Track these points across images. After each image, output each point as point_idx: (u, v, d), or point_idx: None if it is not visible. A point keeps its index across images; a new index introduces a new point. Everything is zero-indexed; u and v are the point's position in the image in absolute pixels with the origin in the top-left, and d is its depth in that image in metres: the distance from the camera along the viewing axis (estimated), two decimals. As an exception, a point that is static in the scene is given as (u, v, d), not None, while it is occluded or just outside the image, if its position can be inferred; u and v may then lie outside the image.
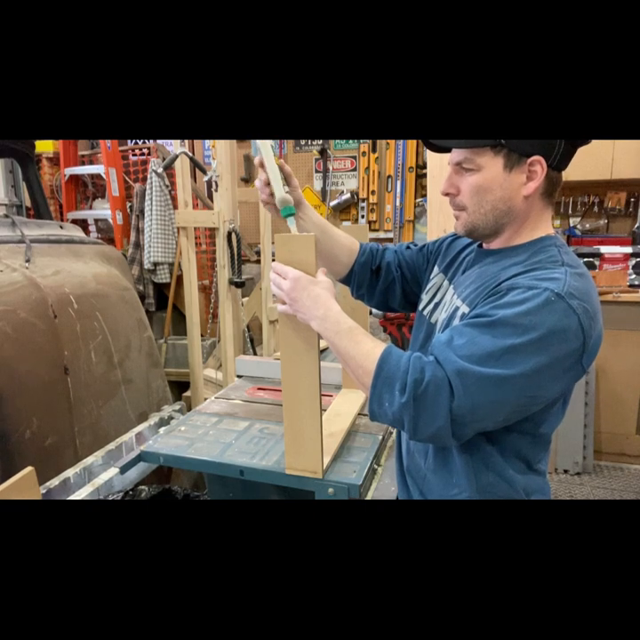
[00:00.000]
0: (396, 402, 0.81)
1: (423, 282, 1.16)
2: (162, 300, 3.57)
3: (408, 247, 1.22)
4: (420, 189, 3.86)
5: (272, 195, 1.06)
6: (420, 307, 1.11)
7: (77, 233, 2.27)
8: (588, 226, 3.62)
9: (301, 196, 1.12)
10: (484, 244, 1.01)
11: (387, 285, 1.18)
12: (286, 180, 1.08)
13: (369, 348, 0.87)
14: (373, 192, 3.96)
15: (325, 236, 1.13)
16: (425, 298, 1.11)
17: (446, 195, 0.94)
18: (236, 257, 2.31)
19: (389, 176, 3.92)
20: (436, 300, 1.07)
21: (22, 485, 0.88)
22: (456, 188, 0.92)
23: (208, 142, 4.17)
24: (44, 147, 3.79)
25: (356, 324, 0.91)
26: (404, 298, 1.19)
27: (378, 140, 3.91)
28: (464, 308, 0.92)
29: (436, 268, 1.12)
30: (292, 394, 1.01)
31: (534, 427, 0.90)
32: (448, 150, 0.95)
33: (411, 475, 1.05)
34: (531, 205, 0.91)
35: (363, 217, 4.04)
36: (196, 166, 2.46)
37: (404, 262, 1.19)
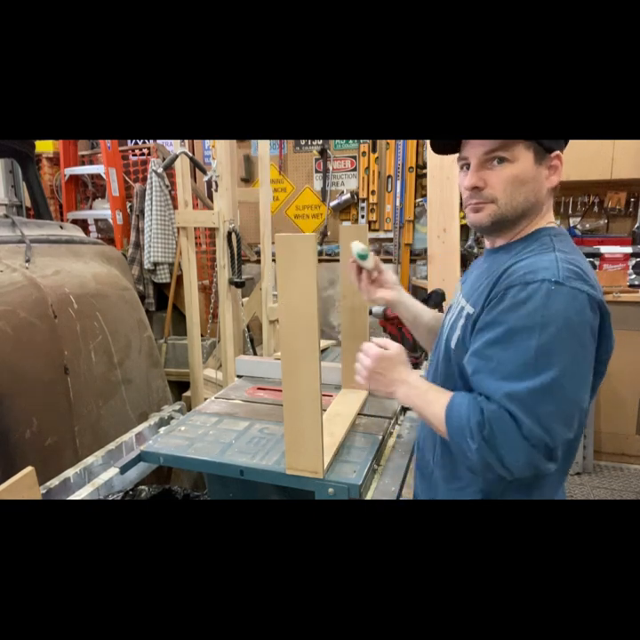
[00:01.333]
0: (473, 450, 0.82)
1: None
2: (162, 299, 3.57)
3: None
4: (420, 189, 3.86)
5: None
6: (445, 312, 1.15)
7: (77, 233, 2.27)
8: (587, 226, 3.62)
9: (399, 291, 1.25)
10: (489, 244, 1.02)
11: None
12: (383, 281, 1.24)
13: (439, 407, 0.89)
14: (373, 192, 3.96)
15: (416, 322, 1.25)
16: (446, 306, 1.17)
17: (473, 189, 0.93)
18: (236, 257, 2.31)
19: (389, 176, 3.92)
20: (451, 303, 1.10)
21: (22, 485, 0.88)
22: (484, 181, 0.92)
23: (208, 142, 4.17)
24: (44, 147, 3.79)
25: (430, 386, 0.96)
26: None
27: (378, 140, 3.91)
28: (468, 308, 0.94)
29: (461, 278, 1.17)
30: (292, 394, 1.01)
31: None
32: (453, 151, 0.98)
33: (420, 470, 1.08)
34: (548, 198, 0.94)
35: (363, 217, 4.04)
36: (196, 166, 2.45)
37: None
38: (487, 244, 1.01)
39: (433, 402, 0.91)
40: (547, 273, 0.81)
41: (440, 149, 1.00)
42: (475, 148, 0.92)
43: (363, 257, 1.20)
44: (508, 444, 0.80)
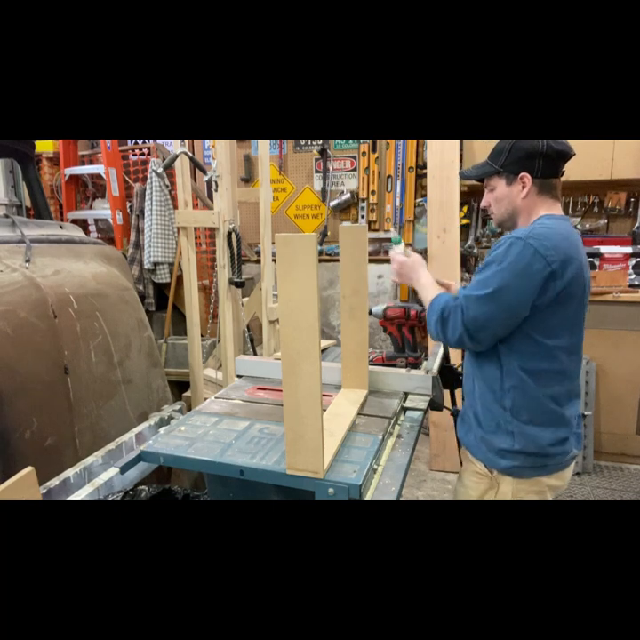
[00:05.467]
0: (433, 322, 1.34)
1: None
2: (162, 300, 3.57)
3: None
4: (420, 189, 3.86)
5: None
6: None
7: (77, 233, 2.27)
8: (588, 226, 3.62)
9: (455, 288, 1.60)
10: None
11: None
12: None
13: (431, 295, 1.39)
14: (373, 192, 3.96)
15: None
16: None
17: (485, 207, 1.47)
18: (236, 257, 2.31)
19: (389, 176, 3.92)
20: None
21: (22, 485, 0.88)
22: (488, 202, 1.46)
23: (208, 142, 4.17)
24: (44, 147, 3.79)
25: (433, 282, 1.45)
26: None
27: (378, 140, 3.91)
28: None
29: None
30: (293, 394, 1.01)
31: (533, 332, 1.28)
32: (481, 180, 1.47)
33: (467, 396, 1.50)
34: (529, 202, 1.37)
35: (363, 217, 4.04)
36: (196, 166, 2.45)
37: None
38: None
39: (430, 292, 1.41)
40: (517, 233, 1.26)
41: (465, 176, 1.51)
42: (484, 183, 1.46)
43: (396, 242, 1.59)
44: (451, 322, 1.29)
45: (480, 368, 1.40)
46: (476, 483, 1.43)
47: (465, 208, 3.74)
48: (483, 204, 1.48)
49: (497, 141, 1.41)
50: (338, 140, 4.06)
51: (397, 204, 3.92)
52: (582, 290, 1.30)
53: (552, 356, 1.30)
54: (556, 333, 1.29)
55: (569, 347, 1.32)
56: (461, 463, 1.81)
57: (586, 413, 3.10)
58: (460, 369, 1.73)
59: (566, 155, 1.35)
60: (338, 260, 1.46)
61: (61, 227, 2.20)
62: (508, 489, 1.37)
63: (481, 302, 1.24)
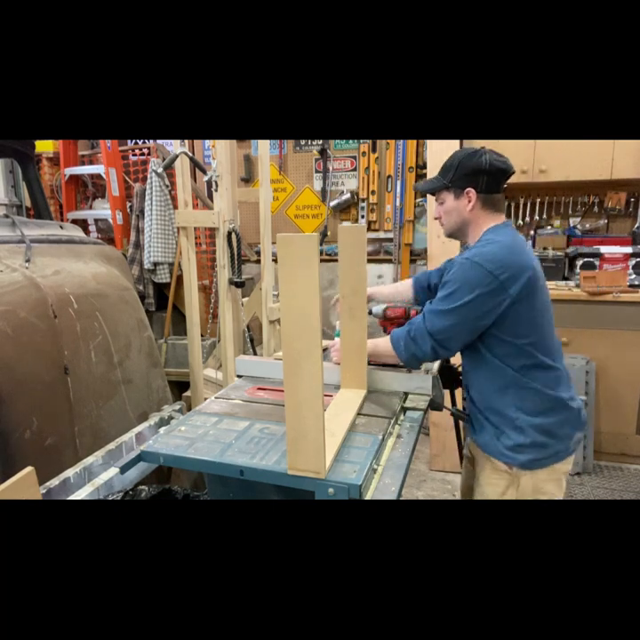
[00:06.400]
0: (402, 347, 1.46)
1: None
2: (162, 300, 3.57)
3: (445, 264, 1.81)
4: (420, 189, 3.86)
5: None
6: None
7: (77, 233, 2.27)
8: (588, 226, 3.62)
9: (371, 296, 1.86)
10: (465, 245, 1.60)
11: (434, 292, 1.78)
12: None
13: (384, 341, 1.52)
14: (373, 192, 3.96)
15: (399, 296, 1.91)
16: None
17: (437, 218, 1.60)
18: (236, 257, 2.31)
19: (389, 176, 3.92)
20: None
21: (22, 485, 0.88)
22: (439, 213, 1.58)
23: (208, 142, 4.17)
24: (44, 147, 3.79)
25: (373, 340, 1.53)
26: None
27: (378, 140, 3.91)
28: None
29: None
30: (294, 394, 1.01)
31: (503, 336, 1.41)
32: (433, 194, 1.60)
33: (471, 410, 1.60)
34: (476, 215, 1.50)
35: (363, 217, 4.04)
36: (196, 166, 2.45)
37: (442, 275, 1.72)
38: (467, 245, 1.57)
39: (382, 340, 1.53)
40: (467, 254, 1.41)
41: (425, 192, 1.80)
42: (434, 196, 1.59)
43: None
44: (419, 337, 1.42)
45: (476, 372, 1.51)
46: (497, 480, 1.49)
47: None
48: (434, 215, 1.61)
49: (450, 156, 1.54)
50: (338, 140, 4.06)
51: (397, 203, 3.92)
52: (537, 286, 1.41)
53: (527, 353, 1.42)
54: (524, 333, 1.41)
55: (540, 341, 1.44)
56: (462, 462, 1.81)
57: (585, 413, 3.09)
58: (459, 369, 1.73)
59: (506, 172, 1.49)
60: (337, 260, 1.46)
61: (61, 227, 2.20)
62: (529, 482, 1.46)
63: (443, 316, 1.39)
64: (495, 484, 1.50)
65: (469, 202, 1.48)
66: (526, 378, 1.43)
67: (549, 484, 1.47)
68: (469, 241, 1.55)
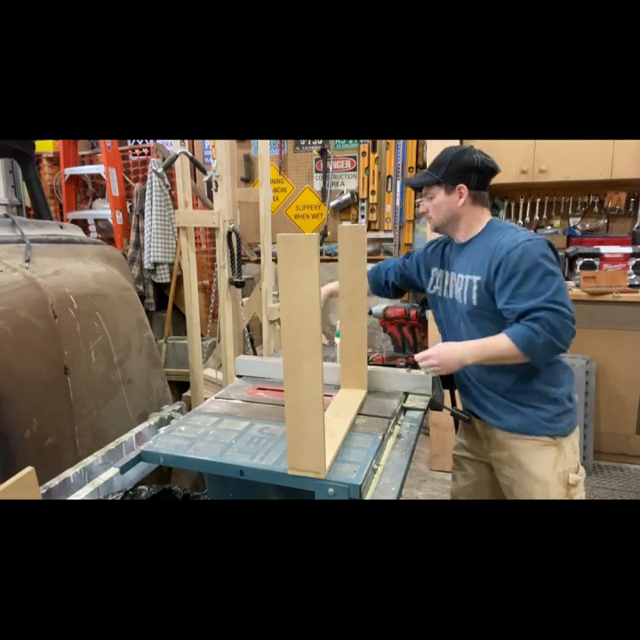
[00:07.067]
0: (540, 345, 1.35)
1: (415, 280, 1.83)
2: (162, 299, 3.57)
3: (403, 261, 1.88)
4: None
5: None
6: (435, 293, 1.71)
7: (77, 233, 2.27)
8: (588, 226, 3.62)
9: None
10: (455, 241, 1.63)
11: (391, 289, 1.93)
12: None
13: (503, 343, 1.39)
14: (373, 192, 3.96)
15: None
16: (436, 287, 1.71)
17: (424, 213, 1.64)
18: (235, 257, 2.31)
19: (389, 176, 3.92)
20: (444, 284, 1.67)
21: (22, 485, 0.88)
22: (426, 208, 1.62)
23: (208, 142, 4.17)
24: (44, 147, 3.79)
25: (479, 340, 1.45)
26: (397, 292, 1.96)
27: (378, 140, 3.90)
28: (476, 278, 1.50)
29: (433, 270, 1.73)
30: (294, 394, 1.01)
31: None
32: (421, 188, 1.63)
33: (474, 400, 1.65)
34: (467, 210, 1.56)
35: (363, 217, 4.04)
36: (196, 166, 2.45)
37: (400, 273, 1.87)
38: (456, 240, 1.63)
39: (494, 344, 1.41)
40: (519, 237, 1.42)
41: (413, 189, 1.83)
42: (423, 191, 1.63)
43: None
44: (563, 327, 1.35)
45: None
46: (544, 455, 1.54)
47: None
48: (421, 209, 1.66)
49: (443, 152, 1.58)
50: (338, 140, 4.06)
51: (397, 204, 3.92)
52: None
53: None
54: None
55: None
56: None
57: (585, 413, 3.09)
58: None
59: (495, 171, 1.56)
60: (338, 260, 1.46)
61: (61, 227, 2.19)
62: (569, 446, 1.57)
63: (558, 294, 1.37)
64: (544, 461, 1.54)
65: (461, 197, 1.53)
66: None
67: (576, 442, 1.60)
68: (460, 235, 1.60)
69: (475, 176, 1.52)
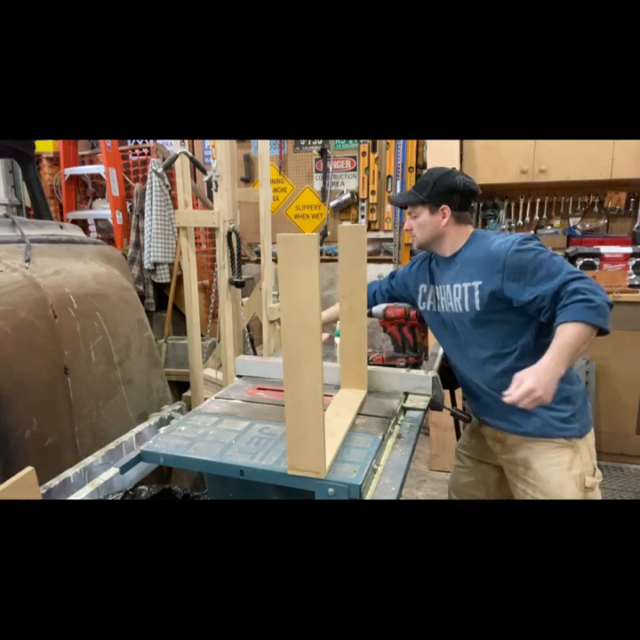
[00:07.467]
0: (602, 304, 1.33)
1: (407, 298, 1.85)
2: (162, 300, 3.57)
3: (389, 284, 1.92)
4: (420, 189, 3.86)
5: None
6: (427, 308, 1.74)
7: (77, 233, 2.27)
8: (588, 226, 3.62)
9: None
10: (441, 255, 1.67)
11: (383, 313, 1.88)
12: None
13: (574, 334, 1.32)
14: (373, 192, 3.96)
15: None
16: (426, 303, 1.74)
17: (407, 230, 1.70)
18: (235, 257, 2.31)
19: (389, 176, 3.92)
20: (437, 299, 1.69)
21: (22, 485, 0.88)
22: (411, 226, 1.67)
23: (208, 142, 4.17)
24: (44, 147, 3.79)
25: (555, 345, 1.34)
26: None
27: (378, 140, 3.91)
28: (476, 283, 1.52)
29: (421, 285, 1.76)
30: (294, 395, 1.01)
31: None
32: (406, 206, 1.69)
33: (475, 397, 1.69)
34: (449, 228, 1.61)
35: (363, 217, 4.04)
36: (196, 166, 2.45)
37: (390, 296, 1.91)
38: (441, 255, 1.67)
39: (568, 337, 1.32)
40: (509, 238, 1.49)
41: (398, 204, 1.73)
42: (407, 210, 1.68)
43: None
44: (596, 287, 1.35)
45: (519, 361, 1.51)
46: (559, 457, 1.52)
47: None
48: (406, 227, 1.72)
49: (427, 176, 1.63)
50: (338, 140, 4.06)
51: (397, 204, 3.92)
52: None
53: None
54: None
55: None
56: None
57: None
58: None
59: (475, 194, 1.61)
60: (338, 260, 1.46)
61: (61, 227, 2.19)
62: (585, 448, 1.54)
63: (562, 262, 1.43)
64: (558, 462, 1.52)
65: (444, 217, 1.59)
66: None
67: (592, 443, 1.57)
68: (445, 250, 1.65)
69: (457, 198, 1.58)
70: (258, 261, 3.53)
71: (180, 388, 3.16)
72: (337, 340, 1.65)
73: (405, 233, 3.94)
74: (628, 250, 3.22)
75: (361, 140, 3.96)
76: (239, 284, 2.34)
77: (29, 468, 0.91)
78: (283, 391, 1.03)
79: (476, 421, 1.74)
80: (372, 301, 1.91)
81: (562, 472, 1.51)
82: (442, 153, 3.13)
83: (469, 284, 1.53)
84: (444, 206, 1.58)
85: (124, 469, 1.19)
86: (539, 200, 3.61)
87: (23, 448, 1.46)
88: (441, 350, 1.81)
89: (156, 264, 3.38)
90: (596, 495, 1.55)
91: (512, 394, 1.29)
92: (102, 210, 3.75)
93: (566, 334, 1.33)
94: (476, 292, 1.51)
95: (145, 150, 3.69)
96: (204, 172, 2.35)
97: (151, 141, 3.76)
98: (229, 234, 2.29)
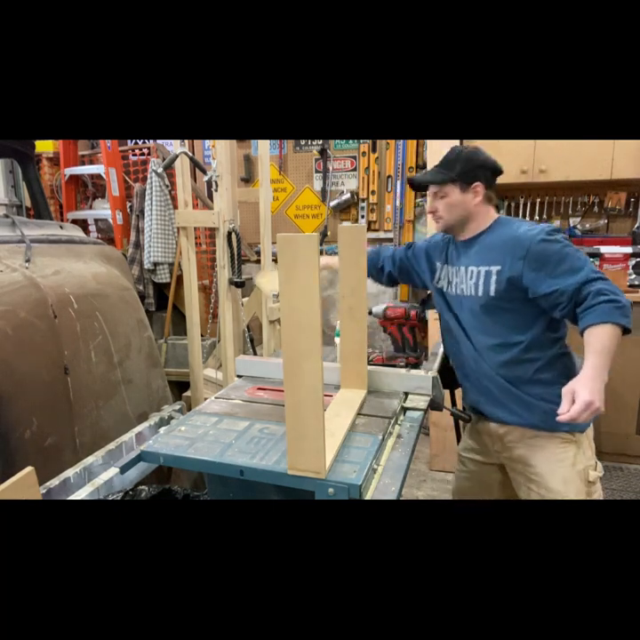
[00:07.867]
0: (624, 302, 1.34)
1: (416, 271, 1.80)
2: (162, 300, 3.57)
3: (405, 252, 1.84)
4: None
5: None
6: (442, 288, 1.68)
7: (77, 233, 2.27)
8: (588, 226, 3.62)
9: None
10: (458, 238, 1.61)
11: (386, 276, 1.90)
12: None
13: (606, 335, 1.35)
14: (373, 192, 3.96)
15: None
16: (441, 283, 1.68)
17: (431, 213, 1.60)
18: (235, 257, 2.31)
19: (389, 176, 3.92)
20: (449, 280, 1.65)
21: (22, 485, 0.88)
22: (435, 208, 1.57)
23: (208, 142, 4.16)
24: (44, 147, 3.79)
25: (592, 351, 1.35)
26: (391, 281, 1.92)
27: (378, 140, 3.91)
28: (495, 268, 1.48)
29: (437, 264, 1.71)
30: (294, 395, 1.01)
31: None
32: (425, 190, 1.66)
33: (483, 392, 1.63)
34: (479, 209, 1.54)
35: (363, 217, 4.04)
36: (196, 166, 2.45)
37: (400, 264, 1.84)
38: (458, 238, 1.61)
39: (605, 341, 1.35)
40: (536, 226, 1.45)
41: (417, 189, 1.76)
42: (430, 190, 1.59)
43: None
44: (617, 288, 1.35)
45: (526, 353, 1.51)
46: (563, 453, 1.52)
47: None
48: (429, 209, 1.61)
49: (450, 151, 1.58)
50: (338, 140, 4.06)
51: (397, 204, 3.92)
52: None
53: (563, 321, 1.53)
54: None
55: None
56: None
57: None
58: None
59: (500, 171, 1.57)
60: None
61: (61, 227, 2.20)
62: (586, 442, 1.54)
63: (586, 261, 1.41)
64: (563, 458, 1.51)
65: (476, 196, 1.51)
66: (564, 346, 1.55)
67: (591, 437, 1.56)
68: (467, 233, 1.57)
69: (488, 174, 1.53)
70: (258, 261, 3.53)
71: (180, 387, 3.16)
72: (337, 340, 1.65)
73: (405, 233, 3.94)
74: (628, 250, 3.22)
75: (361, 140, 3.96)
76: (239, 284, 2.35)
77: (29, 468, 0.91)
78: (283, 391, 1.03)
79: (475, 419, 1.73)
80: (380, 262, 1.86)
81: (566, 468, 1.51)
82: (442, 153, 3.12)
83: (487, 268, 1.49)
84: (476, 184, 1.50)
85: (123, 469, 1.19)
86: (539, 200, 3.61)
87: (23, 448, 1.46)
88: (441, 350, 1.81)
89: (156, 264, 3.38)
90: (598, 489, 1.55)
91: (568, 410, 1.23)
92: (102, 210, 3.75)
93: (602, 337, 1.33)
94: (493, 277, 1.48)
95: (145, 150, 3.69)
96: (204, 171, 2.35)
97: (151, 141, 3.76)
98: (229, 234, 2.29)
